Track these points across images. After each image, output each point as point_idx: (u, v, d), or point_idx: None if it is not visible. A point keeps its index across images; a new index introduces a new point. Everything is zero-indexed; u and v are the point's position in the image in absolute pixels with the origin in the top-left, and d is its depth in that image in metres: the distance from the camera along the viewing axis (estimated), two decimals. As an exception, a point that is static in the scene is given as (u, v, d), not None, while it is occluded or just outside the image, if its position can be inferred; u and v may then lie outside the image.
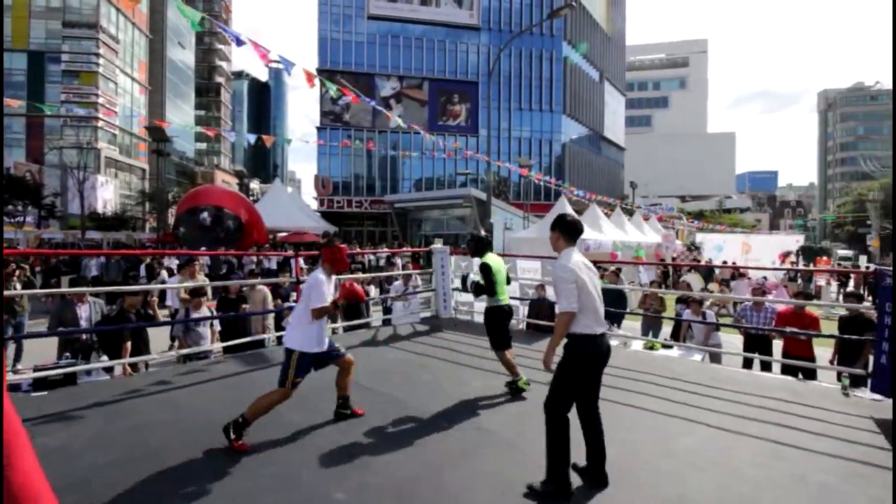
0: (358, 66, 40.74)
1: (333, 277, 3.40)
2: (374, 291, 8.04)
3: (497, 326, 4.20)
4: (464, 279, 4.63)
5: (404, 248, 20.60)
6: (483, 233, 4.47)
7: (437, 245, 7.89)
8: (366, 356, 5.13)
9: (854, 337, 4.92)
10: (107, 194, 38.21)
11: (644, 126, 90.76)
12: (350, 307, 7.09)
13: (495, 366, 4.86)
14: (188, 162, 56.15)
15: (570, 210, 16.70)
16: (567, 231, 2.79)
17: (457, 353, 5.31)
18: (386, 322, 7.11)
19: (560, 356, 2.65)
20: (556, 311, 2.66)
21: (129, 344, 4.77)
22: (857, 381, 4.45)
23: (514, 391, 3.98)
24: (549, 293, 6.68)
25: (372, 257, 16.12)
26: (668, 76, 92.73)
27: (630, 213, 26.21)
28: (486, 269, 4.18)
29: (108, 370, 4.74)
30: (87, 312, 5.04)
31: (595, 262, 7.64)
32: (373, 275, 8.63)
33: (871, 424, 3.52)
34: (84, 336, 5.05)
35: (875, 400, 3.96)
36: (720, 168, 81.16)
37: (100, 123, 39.98)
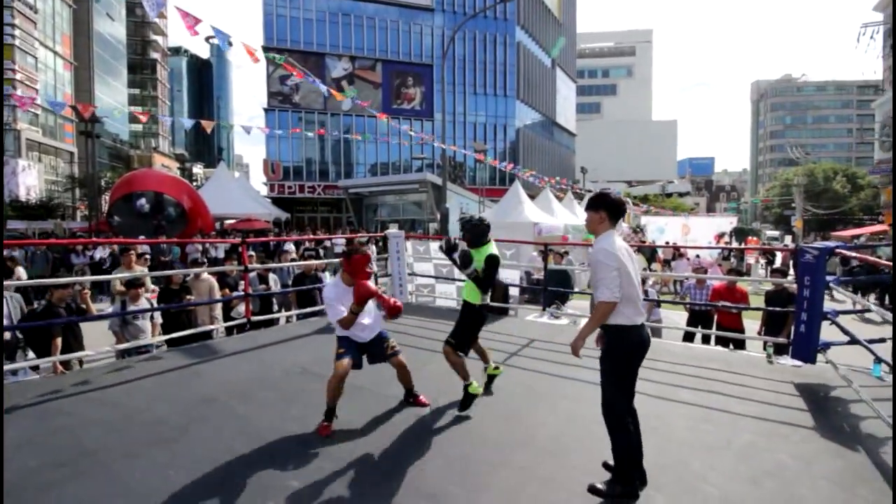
0: (307, 45, 39.05)
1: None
2: (328, 277, 7.89)
3: (472, 325, 3.49)
4: (464, 258, 3.40)
5: (360, 234, 20.30)
6: (478, 217, 3.62)
7: (393, 230, 7.83)
8: (320, 344, 5.05)
9: (778, 309, 5.37)
10: (30, 180, 34.89)
11: (594, 112, 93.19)
12: (302, 295, 6.93)
13: (450, 348, 4.93)
14: (122, 144, 52.16)
15: (523, 194, 17.03)
16: (614, 211, 2.47)
17: (413, 338, 5.32)
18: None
19: (597, 353, 2.52)
20: (595, 298, 2.38)
21: (58, 340, 4.43)
22: (780, 350, 4.85)
23: (467, 400, 3.37)
24: (502, 275, 6.81)
25: (328, 243, 15.78)
26: (616, 64, 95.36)
27: (581, 197, 27.05)
28: (494, 264, 3.37)
29: (36, 369, 4.40)
30: (6, 309, 4.62)
31: (547, 245, 7.86)
32: (326, 261, 8.45)
33: (791, 388, 3.88)
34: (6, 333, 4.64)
35: (795, 366, 4.35)
36: (663, 154, 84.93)
37: (17, 103, 36.23)
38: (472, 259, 3.39)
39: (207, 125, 11.84)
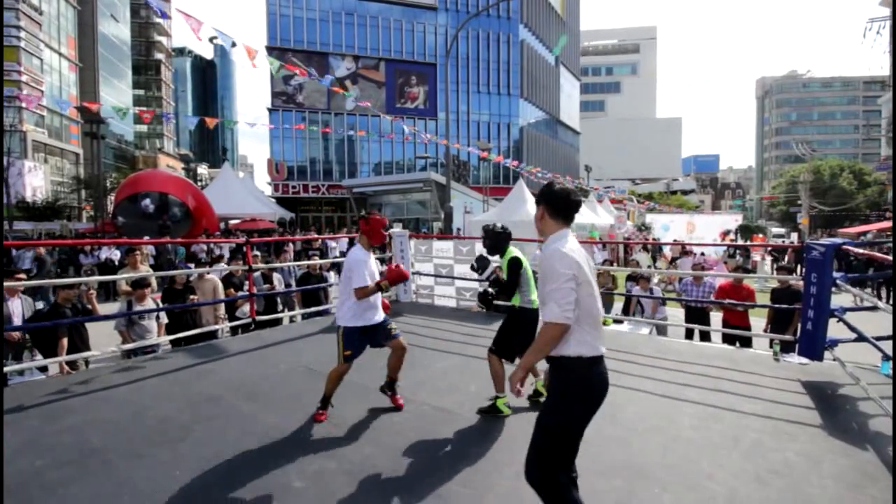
0: (311, 45, 39.11)
1: (372, 253, 3.39)
2: (333, 277, 7.90)
3: (521, 330, 3.37)
4: (481, 262, 3.62)
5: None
6: (500, 225, 3.64)
7: (397, 229, 7.83)
8: (325, 343, 5.05)
9: (784, 306, 5.33)
10: (36, 181, 35.18)
11: (598, 110, 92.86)
12: (307, 294, 6.94)
13: (455, 347, 4.93)
14: (127, 145, 52.51)
15: (527, 192, 16.97)
16: (556, 205, 1.97)
17: (418, 337, 5.32)
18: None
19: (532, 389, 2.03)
20: (542, 316, 1.89)
21: (65, 340, 4.46)
22: (787, 347, 4.81)
23: (490, 410, 3.30)
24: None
25: (333, 243, 15.81)
26: (620, 62, 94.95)
27: (585, 195, 26.98)
28: (516, 266, 3.36)
29: (43, 369, 4.43)
30: (20, 308, 4.66)
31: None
32: (331, 260, 8.46)
33: (797, 386, 3.84)
34: (14, 334, 4.67)
35: (802, 364, 4.31)
36: (668, 152, 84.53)
37: (23, 103, 36.51)
38: (488, 264, 3.58)
39: (210, 122, 11.89)
